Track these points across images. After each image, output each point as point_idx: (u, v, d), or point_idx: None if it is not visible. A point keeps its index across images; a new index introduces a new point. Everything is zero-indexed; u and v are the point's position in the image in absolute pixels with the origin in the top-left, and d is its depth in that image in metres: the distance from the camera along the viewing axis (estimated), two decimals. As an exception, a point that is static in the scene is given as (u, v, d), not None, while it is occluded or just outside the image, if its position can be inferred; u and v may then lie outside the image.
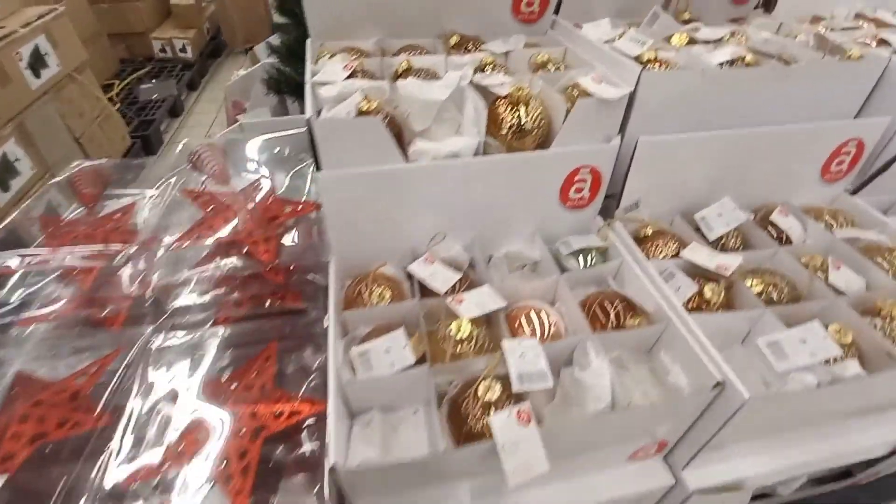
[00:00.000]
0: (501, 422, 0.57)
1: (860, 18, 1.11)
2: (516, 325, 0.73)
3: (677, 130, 0.80)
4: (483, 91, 0.78)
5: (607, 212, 0.89)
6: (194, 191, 0.82)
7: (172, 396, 0.68)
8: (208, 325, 0.76)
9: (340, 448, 0.57)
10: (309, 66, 0.81)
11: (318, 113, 0.73)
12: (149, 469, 0.59)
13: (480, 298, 0.73)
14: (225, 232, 0.76)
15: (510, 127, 0.75)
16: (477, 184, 0.78)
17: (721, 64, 0.80)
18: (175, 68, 3.19)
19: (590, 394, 0.64)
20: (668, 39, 0.90)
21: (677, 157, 0.83)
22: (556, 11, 1.02)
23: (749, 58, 0.81)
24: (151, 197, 0.86)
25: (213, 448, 0.61)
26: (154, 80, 3.05)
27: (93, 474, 0.58)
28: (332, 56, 0.89)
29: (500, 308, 0.72)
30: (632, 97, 0.77)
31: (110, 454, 0.60)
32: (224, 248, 0.76)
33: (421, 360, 0.67)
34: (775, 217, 0.87)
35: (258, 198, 0.85)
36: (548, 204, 0.84)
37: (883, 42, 0.97)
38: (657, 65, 0.81)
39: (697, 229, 0.87)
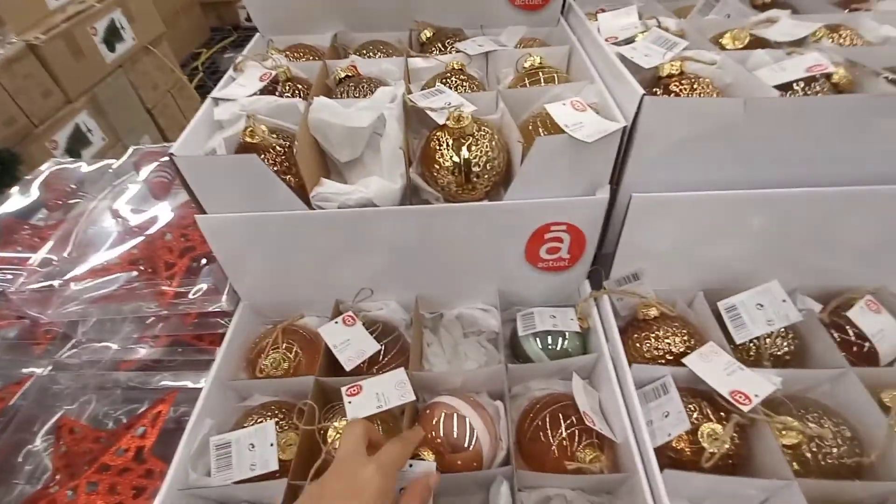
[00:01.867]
0: None
1: None
2: (426, 430, 0.56)
3: (702, 180, 0.55)
4: (423, 116, 0.59)
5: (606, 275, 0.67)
6: (112, 209, 0.75)
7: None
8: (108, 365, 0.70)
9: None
10: (228, 74, 0.67)
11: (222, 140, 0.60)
12: None
13: (385, 388, 0.57)
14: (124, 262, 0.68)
15: (447, 169, 0.56)
16: (406, 236, 0.60)
17: (784, 87, 0.51)
18: (256, 37, 3.24)
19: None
20: (720, 38, 0.61)
21: (697, 219, 0.57)
22: (574, -10, 0.75)
23: (839, 75, 0.51)
24: (94, 207, 0.80)
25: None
26: (236, 50, 3.14)
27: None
28: (277, 53, 0.74)
29: (407, 404, 0.56)
30: (632, 133, 0.53)
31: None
32: (129, 283, 0.68)
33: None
34: (855, 314, 0.58)
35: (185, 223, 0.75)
36: (511, 263, 0.64)
37: None
38: (681, 84, 0.55)
39: (727, 319, 0.61)
